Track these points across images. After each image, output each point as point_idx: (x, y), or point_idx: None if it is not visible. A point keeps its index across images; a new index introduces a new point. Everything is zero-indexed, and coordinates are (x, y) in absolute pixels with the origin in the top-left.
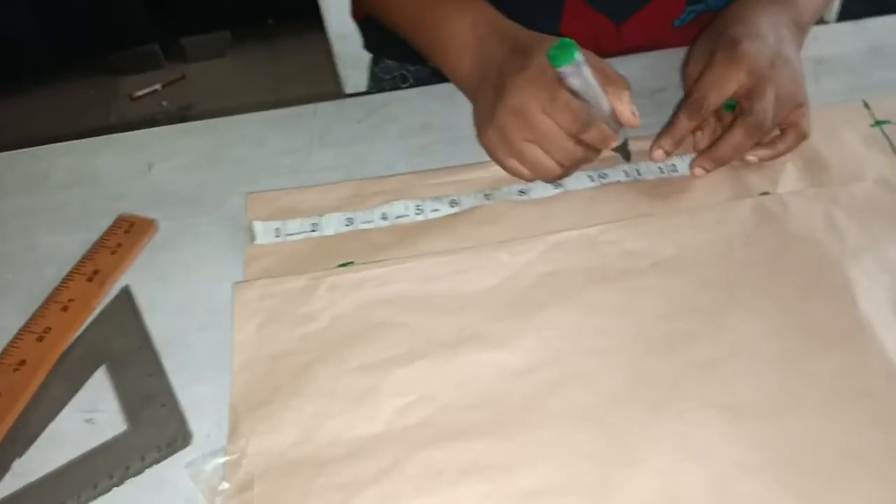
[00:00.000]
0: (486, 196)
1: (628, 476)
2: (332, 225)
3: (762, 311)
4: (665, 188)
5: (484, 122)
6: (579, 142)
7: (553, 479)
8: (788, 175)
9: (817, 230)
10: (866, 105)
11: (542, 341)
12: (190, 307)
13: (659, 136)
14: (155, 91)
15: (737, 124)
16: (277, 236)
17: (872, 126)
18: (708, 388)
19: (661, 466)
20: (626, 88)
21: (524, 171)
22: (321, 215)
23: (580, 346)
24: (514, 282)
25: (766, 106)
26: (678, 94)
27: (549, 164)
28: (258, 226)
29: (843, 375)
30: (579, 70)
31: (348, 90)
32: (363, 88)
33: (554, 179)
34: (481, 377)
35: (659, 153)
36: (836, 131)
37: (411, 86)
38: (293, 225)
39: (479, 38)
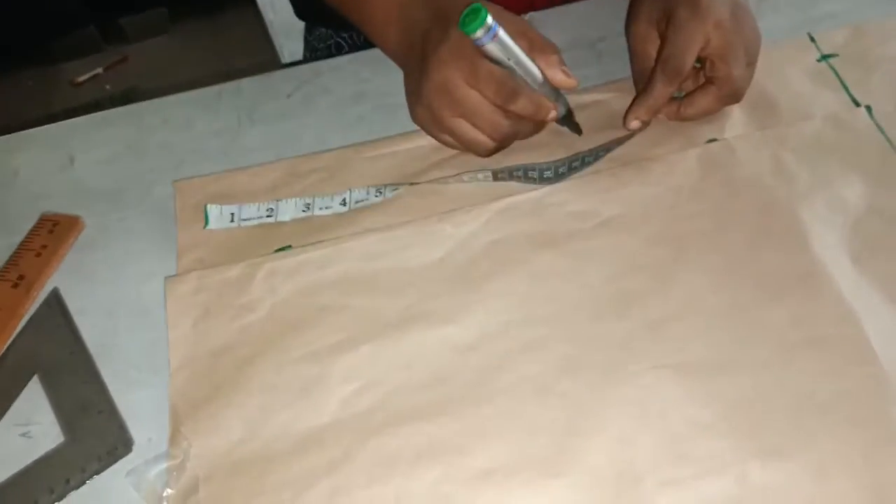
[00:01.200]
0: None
1: (583, 446)
2: (288, 210)
3: (711, 264)
4: (605, 141)
5: (412, 99)
6: (509, 113)
7: (507, 456)
8: (735, 119)
9: (766, 175)
10: (812, 39)
11: (490, 313)
12: (122, 307)
13: (633, 104)
14: (97, 75)
15: (709, 91)
16: (232, 221)
17: (819, 60)
18: (659, 348)
19: (616, 433)
20: (555, 52)
21: (458, 145)
22: (278, 200)
23: (529, 314)
24: (459, 254)
25: (742, 72)
26: (619, 42)
27: (481, 138)
28: (213, 209)
29: (796, 323)
30: (495, 35)
31: (285, 60)
32: (300, 57)
33: (488, 154)
34: (430, 356)
35: (636, 123)
36: (782, 69)
37: (346, 53)
38: (249, 210)
39: (401, 5)
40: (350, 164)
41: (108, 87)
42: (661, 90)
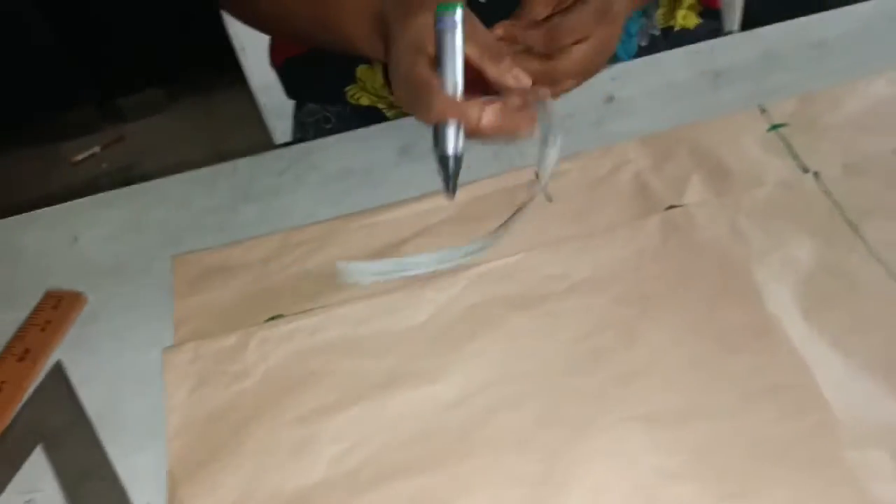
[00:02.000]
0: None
1: (560, 496)
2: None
3: (674, 320)
4: (576, 209)
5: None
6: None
7: None
8: (694, 186)
9: (723, 237)
10: (763, 110)
11: (470, 372)
12: (122, 377)
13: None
14: (94, 154)
15: (579, 8)
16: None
17: (769, 130)
18: (627, 401)
19: (590, 483)
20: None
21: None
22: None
23: (507, 372)
24: (440, 317)
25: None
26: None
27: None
28: (351, 266)
29: (752, 374)
30: (453, 28)
31: (277, 140)
32: (289, 135)
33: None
34: (415, 414)
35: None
36: (736, 139)
37: (333, 126)
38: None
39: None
40: (337, 234)
41: (104, 165)
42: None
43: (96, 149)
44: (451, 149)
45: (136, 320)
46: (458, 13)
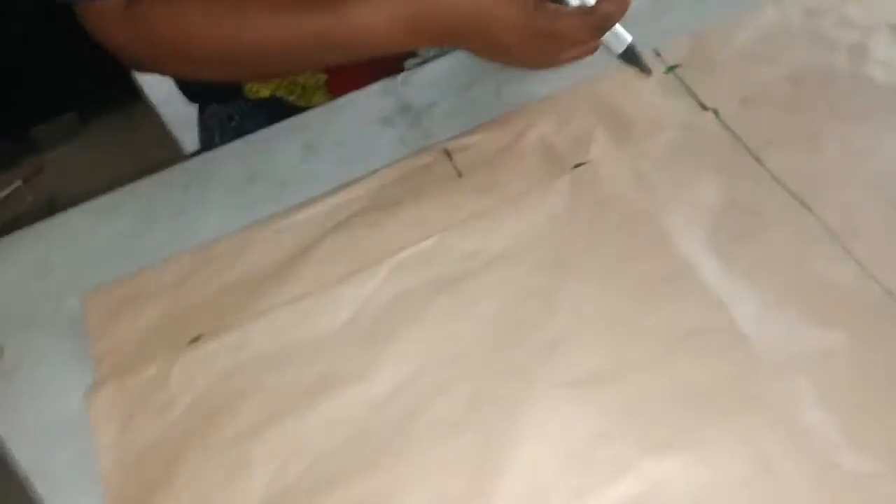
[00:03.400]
0: None
1: (499, 474)
2: None
3: (590, 280)
4: (485, 181)
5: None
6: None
7: (433, 497)
8: (598, 142)
9: (629, 188)
10: (657, 53)
11: (398, 365)
12: (49, 425)
13: None
14: (17, 189)
15: None
16: None
17: (665, 72)
18: (554, 369)
19: (527, 457)
20: None
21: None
22: None
23: (435, 358)
24: (363, 313)
25: None
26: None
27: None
28: None
29: (671, 322)
30: None
31: (187, 149)
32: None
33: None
34: (348, 416)
35: None
36: (634, 87)
37: (237, 123)
38: None
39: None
40: (250, 244)
41: (29, 198)
42: None
43: (18, 183)
44: (629, 36)
45: (56, 366)
46: None
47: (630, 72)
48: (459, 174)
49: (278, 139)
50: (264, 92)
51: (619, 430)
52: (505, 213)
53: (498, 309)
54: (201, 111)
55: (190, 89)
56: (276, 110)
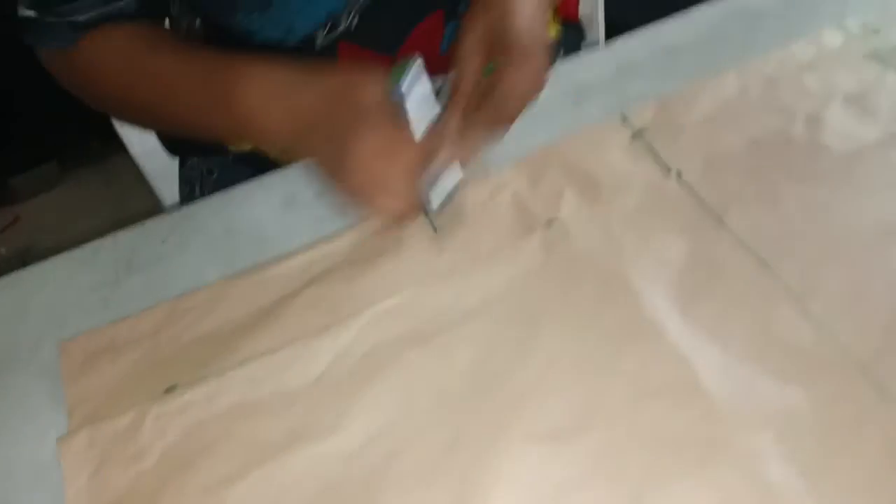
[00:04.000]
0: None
1: None
2: None
3: (560, 334)
4: (460, 237)
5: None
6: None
7: None
8: (567, 201)
9: (597, 246)
10: (624, 118)
11: (371, 417)
12: (19, 470)
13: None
14: None
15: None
16: None
17: (632, 137)
18: (525, 420)
19: None
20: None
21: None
22: None
23: (407, 410)
24: (337, 366)
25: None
26: None
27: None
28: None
29: (638, 376)
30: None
31: (167, 202)
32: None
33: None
34: (318, 469)
35: (464, 161)
36: (602, 149)
37: (217, 176)
38: None
39: (280, 86)
40: (226, 296)
41: (2, 250)
42: (491, 124)
43: None
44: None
45: (28, 412)
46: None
47: (597, 135)
48: (435, 230)
49: (258, 193)
50: (246, 145)
51: (589, 482)
52: (478, 269)
53: (470, 362)
54: (182, 164)
55: (171, 143)
56: (257, 165)
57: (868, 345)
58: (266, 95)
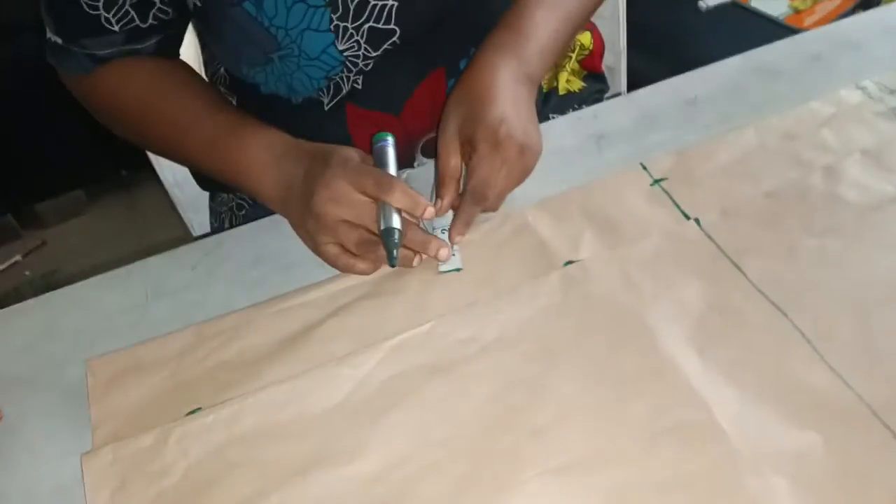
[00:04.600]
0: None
1: None
2: None
3: (578, 371)
4: (483, 274)
5: (298, 223)
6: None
7: None
8: (587, 242)
9: (616, 288)
10: (644, 167)
11: (389, 445)
12: (42, 488)
13: (452, 224)
14: (16, 262)
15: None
16: None
17: (652, 185)
18: (541, 455)
19: None
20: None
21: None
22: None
23: (425, 440)
24: (357, 393)
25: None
26: None
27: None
28: None
29: (655, 415)
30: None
31: (196, 232)
32: (208, 225)
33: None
34: (336, 494)
35: (458, 238)
36: (622, 195)
37: (247, 212)
38: None
39: (276, 158)
40: (252, 322)
41: (27, 273)
42: (472, 209)
43: (18, 257)
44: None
45: (54, 429)
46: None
47: (618, 182)
48: (461, 265)
49: (286, 223)
50: None
51: None
52: (499, 305)
53: (488, 395)
54: (212, 198)
55: (201, 178)
56: None
57: (881, 393)
58: (264, 165)
